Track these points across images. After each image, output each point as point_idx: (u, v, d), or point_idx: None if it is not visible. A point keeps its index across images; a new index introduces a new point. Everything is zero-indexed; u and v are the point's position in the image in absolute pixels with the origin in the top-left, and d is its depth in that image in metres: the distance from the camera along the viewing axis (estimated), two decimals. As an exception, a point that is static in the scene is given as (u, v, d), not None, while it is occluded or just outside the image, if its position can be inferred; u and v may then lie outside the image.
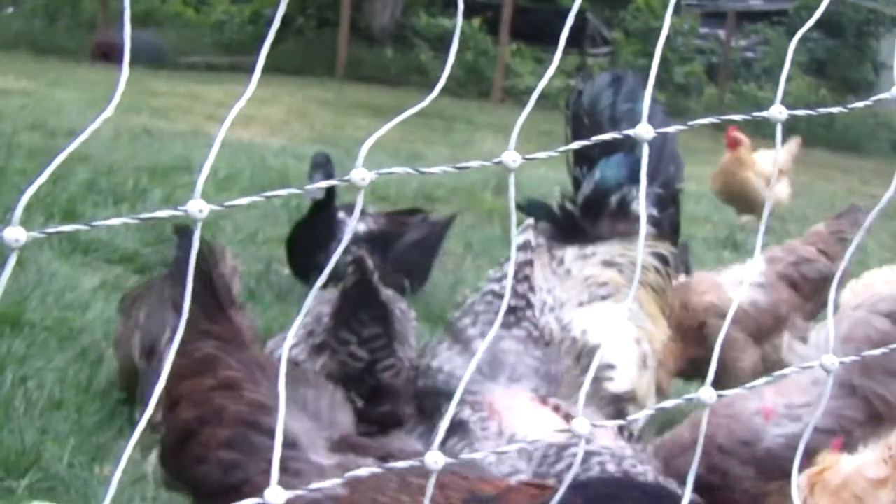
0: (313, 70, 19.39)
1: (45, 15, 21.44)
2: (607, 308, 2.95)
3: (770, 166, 8.59)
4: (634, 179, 3.19)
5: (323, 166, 5.52)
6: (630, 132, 1.22)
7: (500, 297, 2.80)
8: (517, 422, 2.47)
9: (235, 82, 15.21)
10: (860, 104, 1.40)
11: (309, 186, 1.13)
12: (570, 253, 3.10)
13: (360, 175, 1.08)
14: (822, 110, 1.41)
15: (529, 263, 2.83)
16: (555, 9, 20.92)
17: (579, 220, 3.20)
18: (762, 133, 9.74)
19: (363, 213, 5.51)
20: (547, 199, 3.34)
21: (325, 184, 2.95)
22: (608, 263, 3.06)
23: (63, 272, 5.11)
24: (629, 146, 3.09)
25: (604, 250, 3.09)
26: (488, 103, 18.28)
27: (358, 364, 2.76)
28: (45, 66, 15.27)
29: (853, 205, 4.76)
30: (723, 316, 4.09)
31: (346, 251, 4.39)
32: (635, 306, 3.04)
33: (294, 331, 1.19)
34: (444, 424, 1.19)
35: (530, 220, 2.95)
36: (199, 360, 2.15)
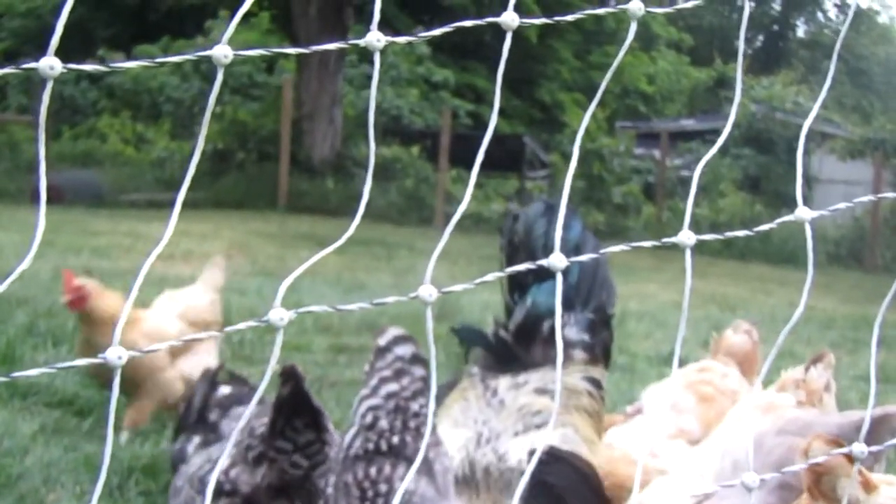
0: (255, 203, 19.46)
1: (-18, 159, 21.47)
2: (542, 436, 2.95)
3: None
4: (567, 306, 3.24)
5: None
6: (543, 262, 1.24)
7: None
8: None
9: (178, 218, 15.14)
10: (765, 227, 1.43)
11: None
12: (503, 383, 3.11)
13: (279, 315, 1.07)
14: (729, 234, 1.44)
15: (423, 379, 2.76)
16: (490, 136, 21.13)
17: (513, 347, 3.23)
18: (700, 251, 9.87)
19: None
20: (486, 325, 3.37)
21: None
22: (541, 391, 3.07)
23: (1, 418, 5.02)
24: (562, 273, 3.13)
25: (536, 378, 3.11)
26: (430, 229, 18.41)
27: (298, 472, 2.81)
28: (-18, 210, 15.23)
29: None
30: None
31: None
32: (570, 431, 3.05)
33: (227, 453, 1.18)
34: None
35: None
36: None
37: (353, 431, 2.73)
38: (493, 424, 2.99)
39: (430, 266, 1.17)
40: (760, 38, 46.36)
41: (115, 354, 1.01)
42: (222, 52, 1.03)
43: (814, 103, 1.47)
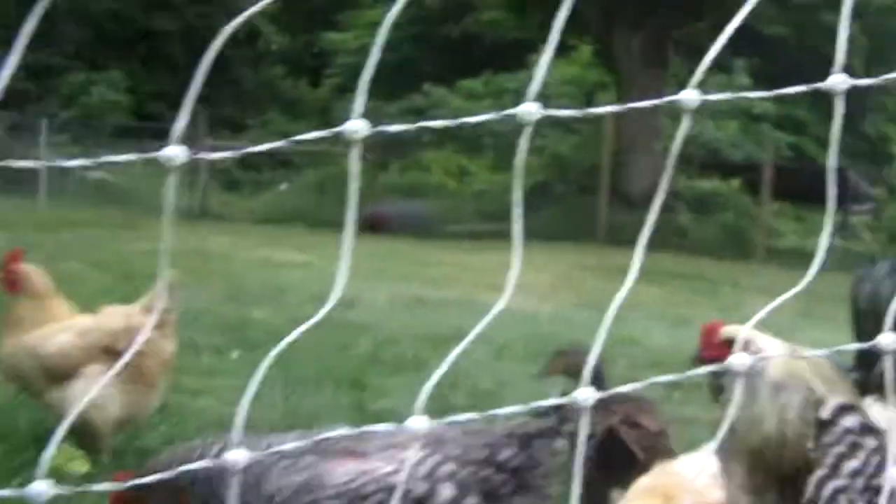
0: (574, 236, 19.65)
1: (316, 190, 22.63)
2: None
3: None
4: None
5: None
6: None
7: None
8: None
9: (499, 250, 15.46)
10: None
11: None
12: None
13: (585, 395, 1.14)
14: None
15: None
16: (813, 168, 20.61)
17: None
18: None
19: None
20: None
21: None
22: None
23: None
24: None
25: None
26: (751, 264, 18.06)
27: None
28: (319, 239, 16.04)
29: None
30: None
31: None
32: None
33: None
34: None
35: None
36: None
37: None
38: None
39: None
40: None
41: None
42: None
43: None
